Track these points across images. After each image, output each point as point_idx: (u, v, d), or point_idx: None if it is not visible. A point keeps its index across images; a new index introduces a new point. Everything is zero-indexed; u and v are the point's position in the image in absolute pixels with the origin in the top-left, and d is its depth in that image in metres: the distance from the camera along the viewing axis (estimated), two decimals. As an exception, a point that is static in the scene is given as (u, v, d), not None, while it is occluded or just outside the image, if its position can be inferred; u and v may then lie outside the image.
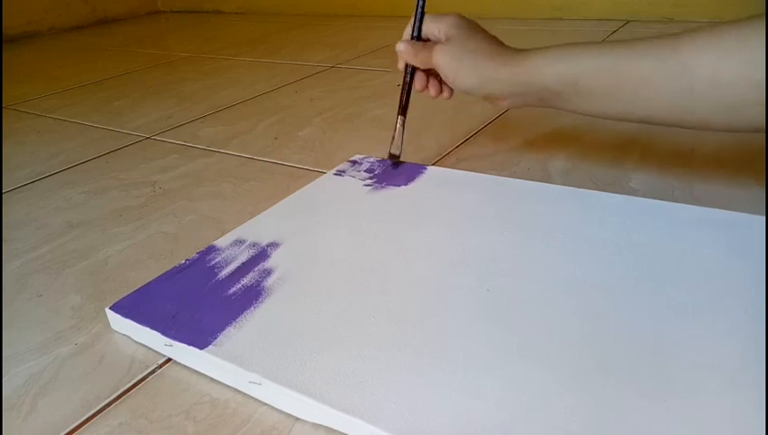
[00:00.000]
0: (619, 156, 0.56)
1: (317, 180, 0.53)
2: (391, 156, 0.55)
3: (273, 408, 0.31)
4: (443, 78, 0.48)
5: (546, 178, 0.53)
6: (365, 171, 0.54)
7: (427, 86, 0.51)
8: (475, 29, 0.46)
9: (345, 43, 1.21)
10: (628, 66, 0.38)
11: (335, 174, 0.54)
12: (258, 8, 1.76)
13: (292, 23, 1.53)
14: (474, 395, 0.28)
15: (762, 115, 0.35)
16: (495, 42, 0.46)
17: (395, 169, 0.54)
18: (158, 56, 1.27)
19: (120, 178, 0.63)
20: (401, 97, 0.53)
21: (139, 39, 1.52)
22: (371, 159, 0.56)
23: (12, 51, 1.49)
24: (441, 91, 0.51)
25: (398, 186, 0.50)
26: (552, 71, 0.41)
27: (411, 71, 0.51)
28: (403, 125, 0.54)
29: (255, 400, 0.31)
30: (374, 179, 0.52)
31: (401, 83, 0.52)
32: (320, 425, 0.29)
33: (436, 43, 0.48)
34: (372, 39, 1.23)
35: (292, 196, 0.50)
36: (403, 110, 0.53)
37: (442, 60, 0.46)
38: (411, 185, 0.50)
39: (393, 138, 0.54)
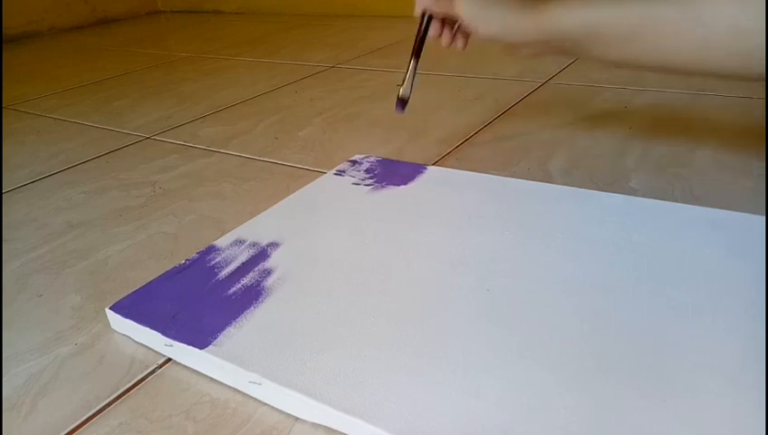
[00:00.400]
0: (619, 156, 0.56)
1: (317, 180, 0.53)
2: (400, 99, 0.53)
3: (273, 408, 0.31)
4: (465, 26, 0.48)
5: (546, 178, 0.53)
6: (365, 171, 0.54)
7: (441, 33, 0.50)
8: None
9: (345, 43, 1.21)
10: (647, 14, 0.39)
11: (335, 174, 0.54)
12: (258, 8, 1.76)
13: (292, 23, 1.53)
14: (474, 395, 0.28)
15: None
16: None
17: (393, 169, 0.53)
18: (158, 56, 1.27)
19: (120, 178, 0.63)
20: (415, 42, 0.52)
21: (139, 39, 1.52)
22: (371, 159, 0.56)
23: (12, 51, 1.49)
24: (450, 43, 0.51)
25: (398, 186, 0.50)
26: (575, 18, 0.42)
27: (428, 17, 0.50)
28: (415, 69, 0.52)
29: (255, 400, 0.31)
30: (374, 179, 0.52)
31: (417, 31, 0.51)
32: (320, 425, 0.29)
33: None
34: (372, 39, 1.23)
35: (292, 196, 0.50)
36: (416, 54, 0.52)
37: (466, 7, 0.46)
38: (411, 185, 0.50)
39: (404, 80, 0.52)
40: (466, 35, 0.51)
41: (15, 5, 1.61)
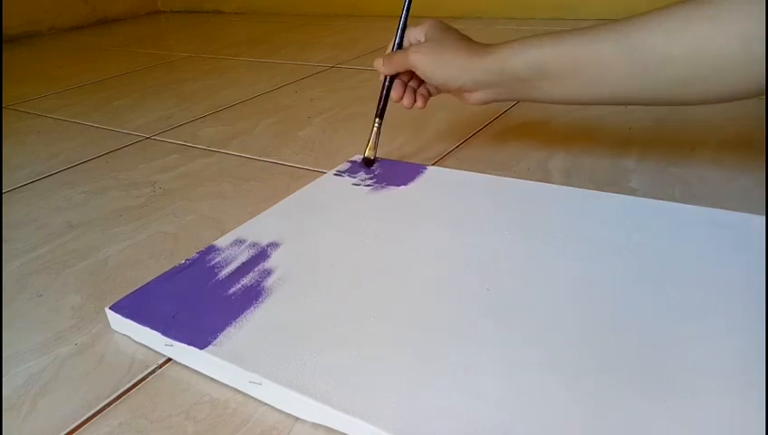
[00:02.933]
0: (619, 155, 0.56)
1: (317, 180, 0.53)
2: (366, 160, 0.55)
3: (273, 408, 0.31)
4: (421, 75, 0.50)
5: (546, 178, 0.53)
6: (365, 171, 0.54)
7: (402, 97, 0.53)
8: (448, 29, 0.49)
9: (345, 43, 1.21)
10: (585, 50, 0.41)
11: (335, 174, 0.54)
12: (258, 8, 1.76)
13: (292, 23, 1.53)
14: (474, 395, 0.28)
15: (713, 87, 0.38)
16: (467, 39, 0.49)
17: (393, 169, 0.54)
18: (158, 56, 1.27)
19: (120, 178, 0.63)
20: (379, 102, 0.54)
21: (139, 39, 1.52)
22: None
23: (12, 51, 1.49)
24: (414, 102, 0.53)
25: (398, 186, 0.50)
26: (520, 58, 0.44)
27: (389, 80, 0.53)
28: (379, 128, 0.55)
29: (255, 400, 0.31)
30: (374, 179, 0.52)
31: (382, 88, 0.54)
32: (320, 425, 0.29)
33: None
34: (372, 39, 1.23)
35: (292, 196, 0.50)
36: (380, 115, 0.54)
37: (418, 58, 0.48)
38: (411, 185, 0.50)
39: (369, 141, 0.55)
40: (425, 96, 0.53)
41: (15, 5, 1.61)
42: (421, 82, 0.53)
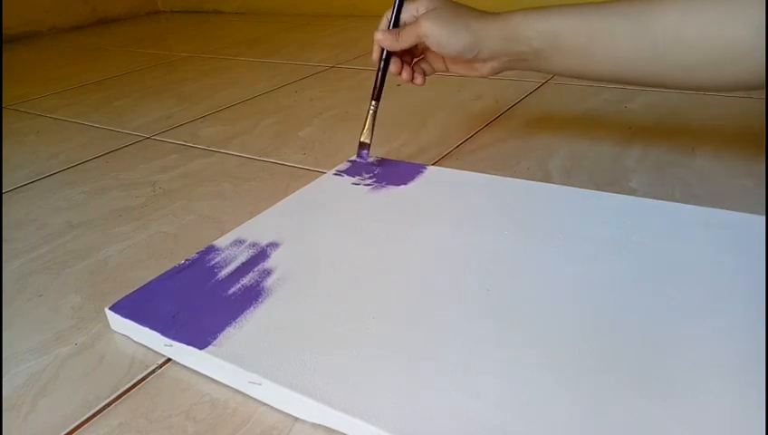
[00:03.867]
0: (619, 155, 0.56)
1: (317, 180, 0.53)
2: (361, 144, 0.54)
3: (272, 408, 0.31)
4: (432, 45, 0.47)
5: (546, 178, 0.53)
6: (365, 171, 0.54)
7: (401, 71, 0.52)
8: (454, 1, 0.48)
9: (345, 43, 1.21)
10: (599, 24, 0.41)
11: (335, 174, 0.54)
12: (258, 8, 1.76)
13: (292, 23, 1.53)
14: (474, 395, 0.28)
15: (721, 74, 0.38)
16: (476, 9, 0.47)
17: (393, 169, 0.53)
18: (158, 56, 1.27)
19: (120, 178, 0.63)
20: (375, 82, 0.53)
21: (139, 39, 1.52)
22: (371, 159, 0.56)
23: (12, 51, 1.49)
24: (411, 78, 0.52)
25: (398, 186, 0.50)
26: (534, 28, 0.44)
27: (386, 57, 0.51)
28: (375, 111, 0.54)
29: (255, 400, 0.31)
30: (374, 179, 0.52)
31: (377, 69, 0.52)
32: (319, 425, 0.29)
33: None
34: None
35: (292, 196, 0.50)
36: (377, 97, 0.53)
37: (431, 27, 0.46)
38: (411, 185, 0.50)
39: (364, 126, 0.53)
40: (424, 72, 0.52)
41: (15, 5, 1.61)
42: (417, 58, 0.52)
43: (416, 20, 0.48)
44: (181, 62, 1.20)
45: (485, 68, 0.48)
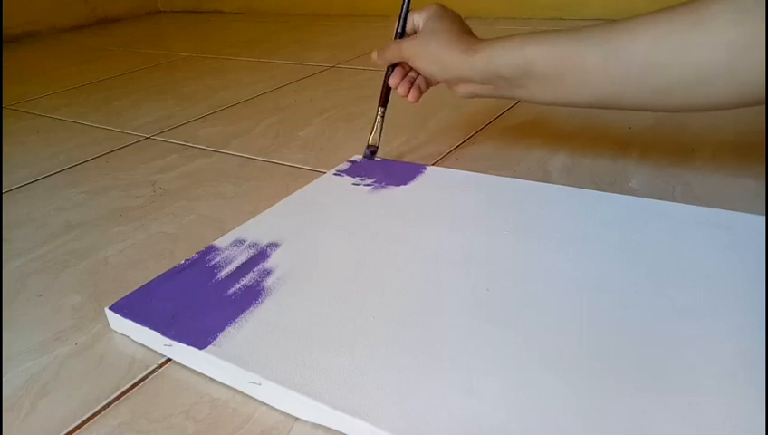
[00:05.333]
0: (619, 155, 0.56)
1: (317, 180, 0.53)
2: (370, 146, 0.56)
3: (272, 408, 0.31)
4: (415, 68, 0.51)
5: (546, 178, 0.53)
6: (365, 171, 0.54)
7: (399, 84, 0.53)
8: (444, 17, 0.49)
9: (345, 43, 1.21)
10: (571, 52, 0.41)
11: (335, 174, 0.54)
12: (258, 8, 1.76)
13: (292, 23, 1.53)
14: (474, 395, 0.28)
15: (696, 96, 0.37)
16: (463, 31, 0.48)
17: (393, 169, 0.54)
18: (158, 56, 1.27)
19: (120, 178, 0.63)
20: (382, 90, 0.55)
21: (139, 39, 1.53)
22: (369, 160, 0.56)
23: (12, 51, 1.49)
24: (408, 93, 0.54)
25: (398, 186, 0.50)
26: (505, 59, 0.44)
27: (392, 67, 0.54)
28: (383, 117, 0.56)
29: (255, 400, 0.31)
30: (374, 180, 0.52)
31: (382, 82, 0.55)
32: (319, 425, 0.29)
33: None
34: (372, 39, 1.23)
35: (292, 196, 0.50)
36: (383, 103, 0.56)
37: (409, 50, 0.49)
38: (411, 185, 0.50)
39: (372, 130, 0.56)
40: (420, 89, 0.54)
41: (15, 5, 1.61)
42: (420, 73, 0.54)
43: (399, 42, 0.50)
44: (181, 62, 1.20)
45: (459, 90, 0.49)
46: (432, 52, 0.48)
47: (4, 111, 0.94)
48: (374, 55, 0.53)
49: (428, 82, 0.54)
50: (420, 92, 0.54)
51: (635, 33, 0.38)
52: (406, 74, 0.54)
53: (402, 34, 0.52)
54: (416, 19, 0.51)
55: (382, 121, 0.56)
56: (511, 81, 0.45)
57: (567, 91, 0.43)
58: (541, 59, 0.42)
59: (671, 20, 0.37)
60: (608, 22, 0.40)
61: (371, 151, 0.56)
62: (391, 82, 0.53)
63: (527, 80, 0.44)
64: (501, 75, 0.45)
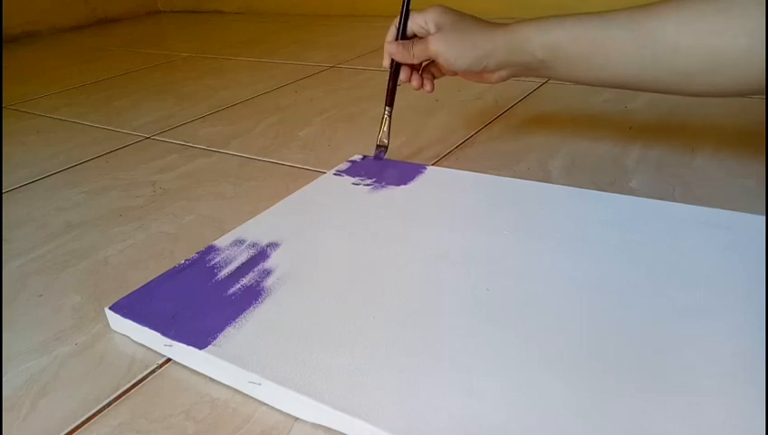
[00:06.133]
0: (619, 155, 0.56)
1: (317, 180, 0.53)
2: (379, 146, 0.56)
3: (272, 408, 0.31)
4: (442, 63, 0.50)
5: (546, 178, 0.53)
6: (365, 171, 0.54)
7: (410, 78, 0.53)
8: (461, 14, 0.50)
9: (345, 43, 1.21)
10: (601, 34, 0.43)
11: (335, 174, 0.54)
12: (258, 8, 1.76)
13: (292, 23, 1.53)
14: (474, 395, 0.28)
15: (718, 81, 0.39)
16: (480, 20, 0.50)
17: (393, 169, 0.54)
18: (158, 56, 1.27)
19: (120, 178, 0.63)
20: (388, 88, 0.55)
21: (139, 39, 1.53)
22: (371, 159, 0.56)
23: (12, 51, 1.49)
24: (422, 85, 0.54)
25: (398, 186, 0.50)
26: (539, 39, 0.46)
27: (396, 66, 0.53)
28: (390, 116, 0.56)
29: (255, 400, 0.31)
30: (374, 179, 0.52)
31: (389, 76, 0.54)
32: (319, 425, 0.29)
33: (424, 36, 0.50)
34: (372, 39, 1.23)
35: (292, 196, 0.50)
36: (390, 102, 0.55)
37: (441, 47, 0.49)
38: (411, 185, 0.50)
39: (380, 129, 0.56)
40: (432, 79, 0.54)
41: (15, 5, 1.61)
42: (426, 64, 0.54)
43: (425, 39, 0.49)
44: (181, 62, 1.20)
45: (494, 77, 0.50)
46: (465, 45, 0.48)
47: (5, 111, 0.94)
48: (392, 50, 0.51)
49: (442, 71, 0.54)
50: (432, 82, 0.54)
51: (664, 17, 0.40)
52: (411, 70, 0.54)
53: (404, 36, 0.51)
54: (420, 20, 0.50)
55: (390, 120, 0.56)
56: (543, 61, 0.46)
57: (596, 71, 0.45)
58: (572, 41, 0.44)
59: (699, 6, 0.38)
60: (635, 7, 0.41)
61: (382, 151, 0.56)
62: (403, 76, 0.53)
63: (557, 60, 0.45)
64: (534, 56, 0.46)
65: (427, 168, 0.53)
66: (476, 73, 0.50)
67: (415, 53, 0.51)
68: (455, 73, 0.52)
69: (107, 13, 1.86)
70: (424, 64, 0.54)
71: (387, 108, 0.56)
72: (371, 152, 0.57)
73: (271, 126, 0.75)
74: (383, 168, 0.54)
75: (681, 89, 0.42)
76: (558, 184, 0.49)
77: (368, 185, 0.51)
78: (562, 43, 0.44)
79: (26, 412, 0.32)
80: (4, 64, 1.32)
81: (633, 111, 0.67)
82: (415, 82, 0.53)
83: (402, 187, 0.50)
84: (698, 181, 0.50)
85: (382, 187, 0.50)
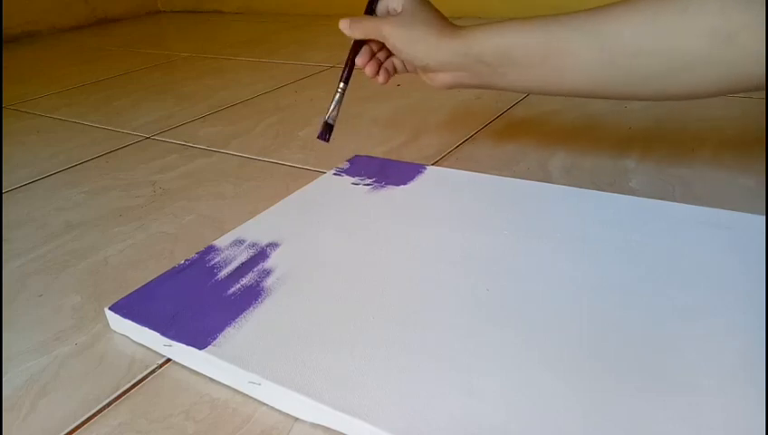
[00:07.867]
0: (619, 155, 0.56)
1: (317, 180, 0.53)
2: (326, 125, 0.51)
3: (272, 408, 0.31)
4: (390, 48, 0.48)
5: (546, 178, 0.53)
6: (364, 171, 0.54)
7: (366, 64, 0.51)
8: (425, 3, 0.47)
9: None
10: (554, 39, 0.40)
11: (335, 174, 0.54)
12: (258, 8, 1.76)
13: (292, 23, 1.53)
14: (474, 395, 0.28)
15: (681, 83, 0.37)
16: (442, 18, 0.47)
17: (393, 169, 0.53)
18: (158, 56, 1.27)
19: (120, 178, 0.63)
20: (345, 65, 0.51)
21: (139, 39, 1.52)
22: (371, 159, 0.56)
23: (12, 51, 1.49)
24: (377, 74, 0.51)
25: (398, 186, 0.50)
26: (488, 43, 0.43)
27: (356, 43, 0.51)
28: (343, 94, 0.51)
29: (255, 400, 0.31)
30: (374, 179, 0.52)
31: (346, 57, 0.51)
32: (319, 425, 0.29)
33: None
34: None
35: (291, 196, 0.50)
36: (346, 79, 0.51)
37: (390, 29, 0.47)
38: (411, 185, 0.50)
39: (330, 106, 0.51)
40: (389, 72, 0.52)
41: (15, 5, 1.61)
42: (389, 55, 0.51)
43: (381, 19, 0.48)
44: (181, 62, 1.20)
45: (437, 79, 0.47)
46: (415, 34, 0.46)
47: (5, 111, 0.94)
48: (343, 24, 0.49)
49: (400, 67, 0.52)
50: (389, 75, 0.52)
51: (621, 19, 0.38)
52: (373, 54, 0.51)
53: (373, 12, 0.49)
54: (392, 1, 0.48)
55: (341, 98, 0.51)
56: (491, 67, 0.44)
57: (549, 78, 0.42)
58: (524, 44, 0.41)
59: (656, 7, 0.36)
60: (590, 9, 0.39)
61: (328, 129, 0.51)
62: (359, 61, 0.51)
63: (509, 66, 0.43)
64: (483, 60, 0.43)
65: (427, 168, 0.53)
66: (421, 69, 0.48)
67: (362, 28, 0.48)
68: (414, 68, 0.50)
69: (107, 13, 1.86)
70: (387, 56, 0.52)
71: (340, 84, 0.51)
72: (371, 152, 0.57)
73: (271, 126, 0.75)
74: (383, 167, 0.54)
75: (644, 93, 0.40)
76: (558, 184, 0.49)
77: (368, 185, 0.51)
78: (513, 46, 0.42)
79: (26, 412, 0.32)
80: (4, 64, 1.32)
81: (633, 111, 0.67)
82: (369, 69, 0.51)
83: (402, 187, 0.50)
84: (698, 181, 0.50)
85: (382, 187, 0.50)
